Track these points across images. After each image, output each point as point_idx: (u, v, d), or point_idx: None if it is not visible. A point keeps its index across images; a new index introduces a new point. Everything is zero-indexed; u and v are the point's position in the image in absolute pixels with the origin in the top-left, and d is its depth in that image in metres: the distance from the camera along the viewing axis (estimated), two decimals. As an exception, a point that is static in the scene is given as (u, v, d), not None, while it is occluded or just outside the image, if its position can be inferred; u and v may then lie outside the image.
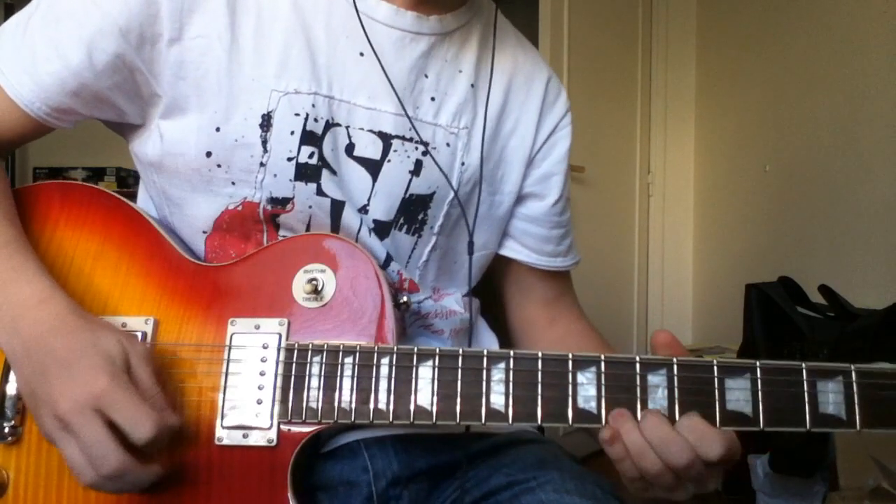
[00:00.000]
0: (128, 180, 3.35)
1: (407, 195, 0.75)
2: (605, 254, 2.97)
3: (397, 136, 0.74)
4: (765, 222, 2.60)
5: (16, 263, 0.62)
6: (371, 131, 0.73)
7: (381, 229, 0.75)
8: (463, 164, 0.77)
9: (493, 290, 0.92)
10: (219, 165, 0.69)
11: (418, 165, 0.75)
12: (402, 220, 0.75)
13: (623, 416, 0.60)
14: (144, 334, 0.65)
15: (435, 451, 0.75)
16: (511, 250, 0.87)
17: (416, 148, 0.74)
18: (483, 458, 0.77)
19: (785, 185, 2.48)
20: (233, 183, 0.70)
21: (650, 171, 3.19)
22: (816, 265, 2.22)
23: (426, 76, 0.76)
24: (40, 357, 0.57)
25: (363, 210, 0.74)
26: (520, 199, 0.85)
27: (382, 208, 0.74)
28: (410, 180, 0.75)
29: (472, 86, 0.79)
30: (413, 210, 0.76)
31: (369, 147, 0.73)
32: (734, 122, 2.86)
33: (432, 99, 0.76)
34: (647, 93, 3.16)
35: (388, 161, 0.74)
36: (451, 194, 0.76)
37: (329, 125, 0.71)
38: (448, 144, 0.77)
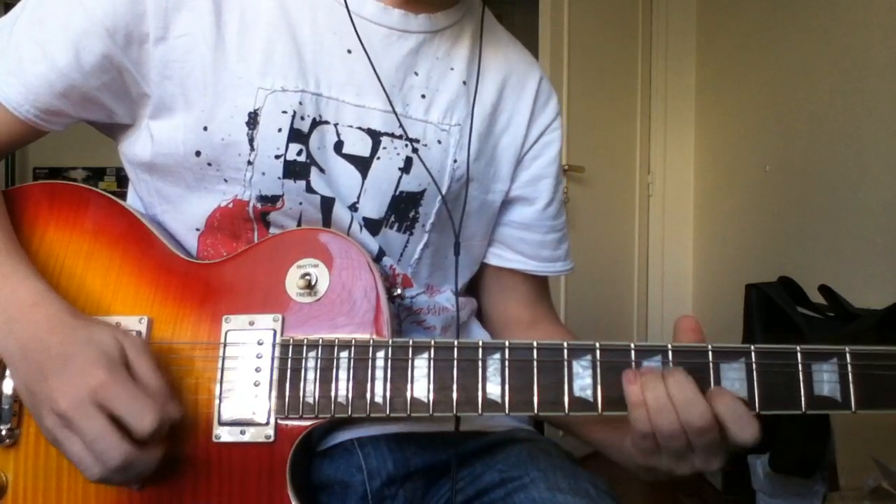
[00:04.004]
0: (127, 180, 3.35)
1: (397, 193, 0.74)
2: (605, 254, 2.97)
3: (386, 134, 0.73)
4: (765, 222, 2.60)
5: (7, 268, 0.62)
6: (360, 128, 0.72)
7: (372, 227, 0.74)
8: (455, 161, 0.77)
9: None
10: (209, 164, 0.69)
11: (408, 163, 0.74)
12: (392, 218, 0.75)
13: (651, 371, 0.60)
14: (139, 333, 0.65)
15: (430, 450, 0.75)
16: (504, 259, 0.86)
17: (406, 145, 0.74)
18: (477, 456, 0.76)
19: (785, 185, 2.47)
20: (225, 181, 0.70)
21: (650, 171, 3.19)
22: (816, 265, 2.22)
23: (416, 73, 0.75)
24: (36, 357, 0.57)
25: (353, 208, 0.73)
26: (510, 203, 0.84)
27: (372, 206, 0.74)
28: (400, 178, 0.74)
29: (465, 83, 0.78)
30: (404, 208, 0.75)
31: (358, 144, 0.72)
32: (734, 122, 2.85)
33: (422, 96, 0.75)
34: (647, 93, 3.16)
35: (378, 158, 0.73)
36: (441, 192, 0.76)
37: (316, 123, 0.70)
38: (439, 142, 0.76)
